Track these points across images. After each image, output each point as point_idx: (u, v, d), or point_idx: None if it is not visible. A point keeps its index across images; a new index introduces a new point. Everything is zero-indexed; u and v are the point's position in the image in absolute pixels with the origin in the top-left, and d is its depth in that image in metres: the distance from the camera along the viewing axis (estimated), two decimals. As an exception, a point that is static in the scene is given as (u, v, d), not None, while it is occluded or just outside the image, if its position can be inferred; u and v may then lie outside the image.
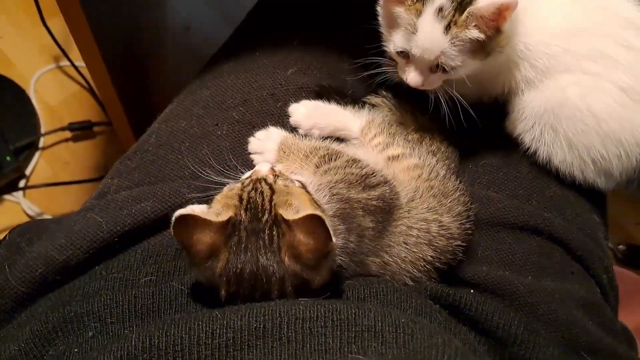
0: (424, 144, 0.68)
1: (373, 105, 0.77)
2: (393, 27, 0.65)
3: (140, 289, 0.55)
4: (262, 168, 0.57)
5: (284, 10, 0.83)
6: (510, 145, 0.76)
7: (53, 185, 1.39)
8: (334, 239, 0.48)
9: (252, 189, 0.53)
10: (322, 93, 0.73)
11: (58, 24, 1.19)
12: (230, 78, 0.73)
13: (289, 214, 0.50)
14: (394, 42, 0.65)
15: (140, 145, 0.72)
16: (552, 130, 0.71)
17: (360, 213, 0.56)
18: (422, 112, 0.73)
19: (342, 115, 0.70)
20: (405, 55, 0.66)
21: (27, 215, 1.37)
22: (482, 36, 0.61)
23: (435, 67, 0.64)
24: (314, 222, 0.48)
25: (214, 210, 0.52)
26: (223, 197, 0.54)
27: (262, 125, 0.69)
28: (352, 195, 0.57)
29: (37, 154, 1.45)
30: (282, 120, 0.69)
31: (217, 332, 0.45)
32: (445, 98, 0.68)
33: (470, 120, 0.76)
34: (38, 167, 1.44)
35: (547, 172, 0.74)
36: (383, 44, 0.68)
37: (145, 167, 0.69)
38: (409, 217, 0.59)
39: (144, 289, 0.55)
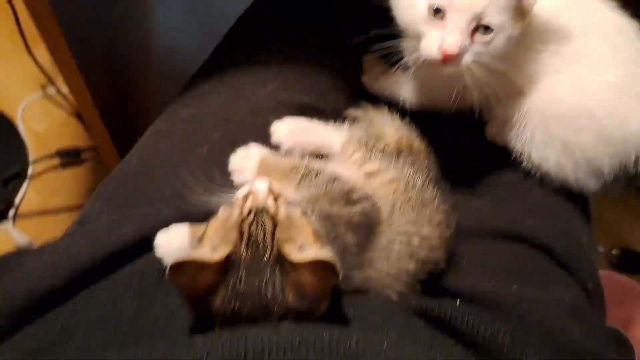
0: (401, 156, 0.68)
1: (354, 118, 0.77)
2: None
3: (121, 316, 0.54)
4: (259, 187, 0.54)
5: (263, 28, 0.83)
6: (491, 153, 0.76)
7: (42, 213, 1.38)
8: (340, 276, 0.47)
9: (253, 220, 0.51)
10: (302, 109, 0.73)
11: (44, 51, 1.20)
12: (209, 97, 0.73)
13: (293, 254, 0.48)
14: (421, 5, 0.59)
15: (121, 168, 0.72)
16: (545, 132, 0.70)
17: (343, 229, 0.56)
18: (402, 122, 0.74)
19: (324, 132, 0.70)
20: (440, 14, 0.59)
21: (18, 244, 1.36)
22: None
23: (475, 30, 0.59)
24: (320, 265, 0.46)
25: (209, 241, 0.50)
26: (220, 227, 0.51)
27: (244, 142, 0.68)
28: (334, 212, 0.56)
29: (26, 183, 1.45)
30: (264, 137, 0.69)
31: None
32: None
33: (450, 129, 0.76)
34: (27, 195, 1.44)
35: (529, 178, 0.73)
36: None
37: (126, 190, 0.68)
38: (390, 231, 0.59)
39: (124, 316, 0.54)
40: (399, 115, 0.73)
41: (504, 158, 0.75)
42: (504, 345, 0.57)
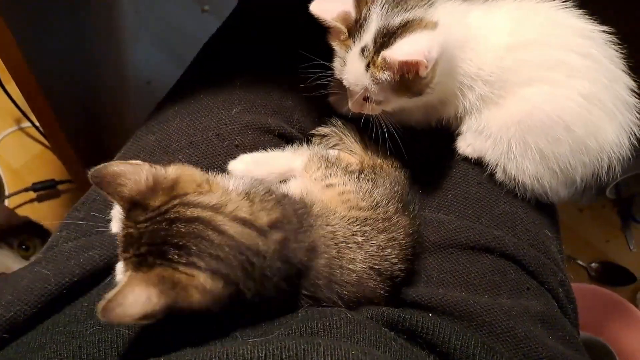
0: (363, 173, 0.68)
1: (323, 136, 0.78)
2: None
3: (86, 339, 0.53)
4: None
5: (226, 54, 0.84)
6: (457, 166, 0.77)
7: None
8: None
9: None
10: (268, 130, 0.74)
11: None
12: (175, 122, 0.73)
13: None
14: (335, 70, 0.68)
15: (88, 195, 0.71)
16: (522, 143, 0.70)
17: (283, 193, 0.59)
18: (371, 139, 0.74)
19: (283, 159, 0.70)
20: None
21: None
22: (395, 78, 0.62)
23: (367, 99, 0.66)
24: None
25: None
26: None
27: (209, 166, 0.69)
28: None
29: (2, 217, 1.43)
30: (228, 160, 0.69)
31: None
32: (388, 125, 0.69)
33: (418, 145, 0.77)
34: (3, 230, 1.42)
35: (495, 190, 0.74)
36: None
37: (92, 216, 0.68)
38: (327, 216, 0.60)
39: (89, 338, 0.53)
40: (368, 134, 0.74)
41: (470, 172, 0.76)
42: (476, 355, 0.57)
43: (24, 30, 0.80)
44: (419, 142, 0.77)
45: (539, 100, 0.69)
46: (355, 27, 0.64)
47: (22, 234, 0.88)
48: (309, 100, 0.79)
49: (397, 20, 0.62)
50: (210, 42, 0.87)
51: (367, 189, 0.65)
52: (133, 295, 0.45)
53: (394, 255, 0.62)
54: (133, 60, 1.64)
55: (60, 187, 1.47)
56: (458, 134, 0.77)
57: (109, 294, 0.45)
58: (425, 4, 0.64)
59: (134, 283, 0.46)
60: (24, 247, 0.87)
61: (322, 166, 0.67)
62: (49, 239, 0.70)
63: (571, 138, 0.69)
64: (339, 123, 0.78)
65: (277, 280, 0.53)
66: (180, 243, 0.48)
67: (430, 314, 0.62)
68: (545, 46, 0.70)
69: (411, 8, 0.63)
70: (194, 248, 0.48)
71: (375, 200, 0.64)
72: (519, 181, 0.73)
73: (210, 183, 0.54)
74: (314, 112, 0.80)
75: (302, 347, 0.47)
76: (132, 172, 0.50)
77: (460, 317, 0.62)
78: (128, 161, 0.51)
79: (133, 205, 0.50)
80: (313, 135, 0.78)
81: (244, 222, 0.51)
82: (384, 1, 0.63)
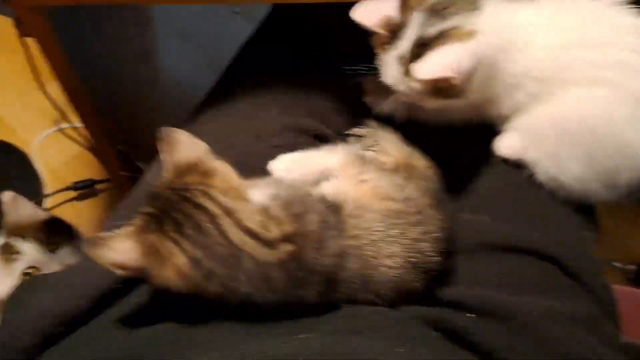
0: (398, 172, 0.69)
1: (359, 137, 0.78)
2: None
3: (140, 335, 0.55)
4: None
5: (264, 56, 0.86)
6: (495, 167, 0.76)
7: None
8: None
9: None
10: (305, 132, 0.75)
11: (57, 87, 1.24)
12: (214, 124, 0.75)
13: None
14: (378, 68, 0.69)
15: (132, 195, 0.74)
16: (569, 143, 0.69)
17: (312, 198, 0.60)
18: (407, 141, 0.75)
19: (320, 158, 0.71)
20: None
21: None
22: (428, 88, 0.63)
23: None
24: None
25: None
26: None
27: (248, 166, 0.70)
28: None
29: (42, 216, 1.47)
30: (267, 161, 0.71)
31: None
32: (425, 124, 0.70)
33: (455, 145, 0.77)
34: (44, 227, 1.46)
35: (533, 191, 0.73)
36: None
37: (134, 216, 0.70)
38: (361, 215, 0.61)
39: (143, 333, 0.55)
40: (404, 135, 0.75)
41: (508, 173, 0.76)
42: (518, 356, 0.57)
43: (69, 36, 0.82)
44: (455, 142, 0.77)
45: (593, 100, 0.68)
46: (396, 33, 0.65)
47: (48, 230, 0.93)
48: (344, 102, 0.80)
49: (434, 29, 0.62)
50: (246, 45, 0.89)
51: (400, 184, 0.65)
52: (122, 245, 0.51)
53: (429, 249, 0.62)
54: (165, 61, 1.67)
55: (98, 186, 1.51)
56: (497, 134, 0.76)
57: (105, 234, 0.51)
58: (469, 9, 0.63)
59: (130, 236, 0.51)
60: (51, 242, 0.92)
61: (357, 164, 0.67)
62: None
63: (622, 141, 0.67)
64: (374, 124, 0.78)
65: (289, 286, 0.54)
66: (179, 221, 0.51)
67: (468, 315, 0.62)
68: (605, 45, 0.68)
69: (452, 15, 0.63)
70: (188, 232, 0.51)
71: (409, 194, 0.65)
72: (561, 182, 0.71)
73: (240, 191, 0.55)
74: (350, 113, 0.81)
75: (351, 345, 0.48)
76: (189, 144, 0.55)
77: (500, 317, 0.61)
78: (192, 136, 0.55)
79: (174, 171, 0.54)
80: (348, 136, 0.79)
81: (250, 232, 0.52)
82: (426, 7, 0.63)
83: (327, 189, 0.66)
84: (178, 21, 1.73)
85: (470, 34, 0.61)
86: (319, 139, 0.77)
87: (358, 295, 0.59)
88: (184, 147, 0.54)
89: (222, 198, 0.53)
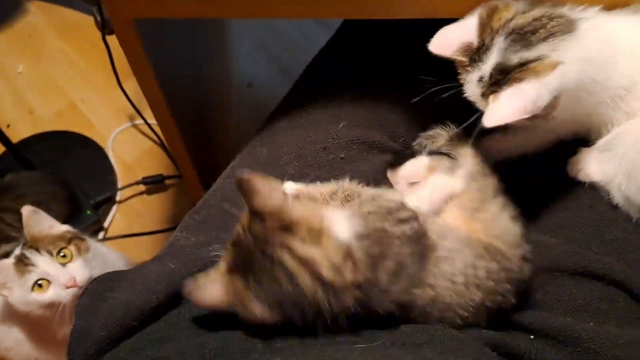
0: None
1: (432, 137, 0.78)
2: None
3: (209, 335, 0.58)
4: None
5: (338, 66, 0.87)
6: (568, 188, 0.75)
7: (129, 236, 1.48)
8: None
9: None
10: (371, 145, 0.76)
11: (132, 86, 1.30)
12: (285, 135, 0.78)
13: None
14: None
15: (206, 200, 0.78)
16: None
17: (398, 242, 0.57)
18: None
19: (445, 186, 0.71)
20: None
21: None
22: None
23: None
24: None
25: None
26: None
27: (315, 177, 0.72)
28: (387, 227, 0.58)
29: (115, 208, 1.56)
30: (333, 172, 0.74)
31: None
32: None
33: (526, 166, 0.76)
34: (115, 219, 1.55)
35: (607, 214, 0.71)
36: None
37: (210, 220, 0.73)
38: (452, 258, 0.60)
39: (212, 335, 0.58)
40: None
41: (582, 194, 0.74)
42: None
43: (150, 39, 0.86)
44: (529, 162, 0.76)
45: None
46: (476, 54, 0.64)
47: (61, 242, 0.98)
48: (413, 115, 0.81)
49: (516, 57, 0.60)
50: (319, 56, 0.91)
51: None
52: (213, 289, 0.56)
53: (508, 291, 0.62)
54: (236, 63, 1.72)
55: (167, 182, 1.57)
56: (573, 154, 0.74)
57: (201, 279, 0.56)
58: (563, 32, 0.60)
59: (219, 280, 0.56)
60: (62, 255, 0.97)
61: (476, 197, 0.67)
62: (170, 238, 0.76)
63: None
64: (450, 124, 0.77)
65: (355, 319, 0.55)
66: (259, 275, 0.54)
67: (533, 337, 0.62)
68: None
69: (538, 42, 0.60)
70: (267, 286, 0.54)
71: (490, 212, 0.66)
72: (637, 203, 0.69)
73: (322, 231, 0.56)
74: (418, 126, 0.81)
75: (410, 357, 0.48)
76: (267, 190, 0.56)
77: (564, 342, 0.61)
78: (268, 178, 0.57)
79: (254, 214, 0.56)
80: (413, 151, 0.79)
81: (322, 283, 0.54)
82: (511, 29, 0.62)
83: (433, 223, 0.64)
84: (251, 23, 1.77)
85: (552, 67, 0.59)
86: (386, 152, 0.78)
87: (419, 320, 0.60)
88: (264, 194, 0.55)
89: (300, 249, 0.54)
